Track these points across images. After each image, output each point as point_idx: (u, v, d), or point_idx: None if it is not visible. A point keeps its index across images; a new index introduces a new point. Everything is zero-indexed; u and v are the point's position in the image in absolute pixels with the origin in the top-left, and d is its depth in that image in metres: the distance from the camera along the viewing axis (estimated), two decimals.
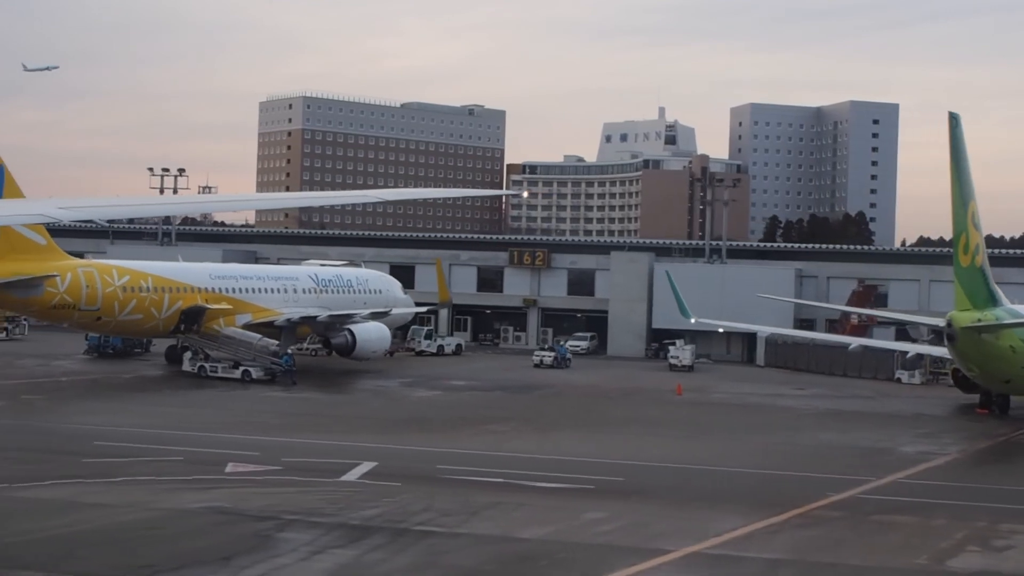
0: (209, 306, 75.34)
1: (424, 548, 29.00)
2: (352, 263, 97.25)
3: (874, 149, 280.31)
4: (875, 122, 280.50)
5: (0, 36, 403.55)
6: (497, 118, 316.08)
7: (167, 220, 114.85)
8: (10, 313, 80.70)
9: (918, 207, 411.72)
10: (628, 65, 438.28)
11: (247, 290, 79.64)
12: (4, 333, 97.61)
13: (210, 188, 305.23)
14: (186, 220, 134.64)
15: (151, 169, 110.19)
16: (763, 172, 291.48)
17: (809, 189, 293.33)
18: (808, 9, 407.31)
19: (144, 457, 42.09)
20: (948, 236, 71.24)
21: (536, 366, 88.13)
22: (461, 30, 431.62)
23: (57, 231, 75.38)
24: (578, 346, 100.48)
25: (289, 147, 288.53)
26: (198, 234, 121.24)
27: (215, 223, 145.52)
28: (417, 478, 38.99)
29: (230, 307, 76.60)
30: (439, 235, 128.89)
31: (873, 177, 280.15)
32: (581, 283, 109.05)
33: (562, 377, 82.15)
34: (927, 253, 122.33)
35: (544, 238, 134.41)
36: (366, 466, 41.03)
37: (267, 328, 76.25)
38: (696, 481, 41.12)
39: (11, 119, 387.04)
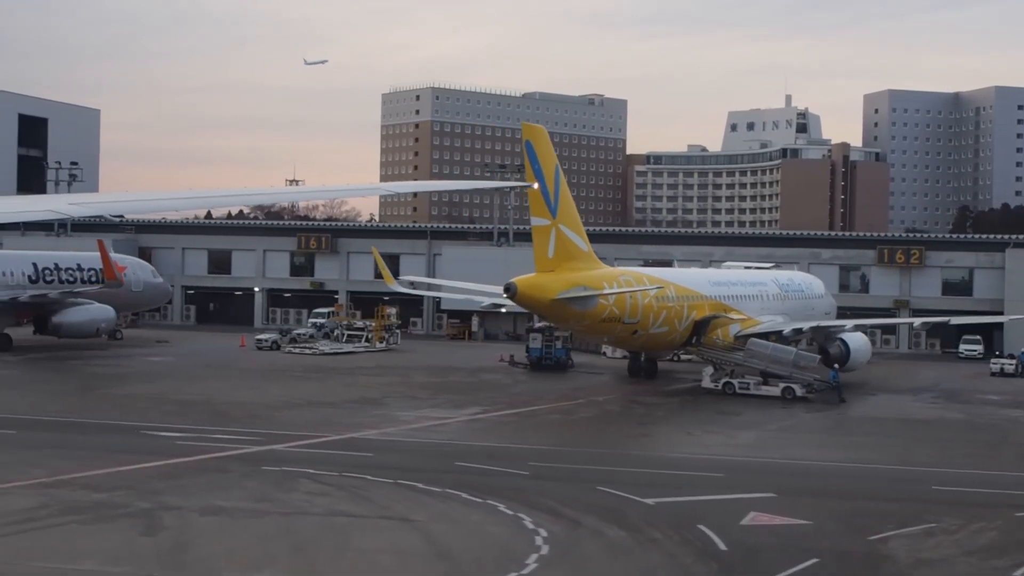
0: (729, 316, 69.06)
1: None
2: (777, 265, 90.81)
3: (1019, 136, 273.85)
4: (1020, 108, 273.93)
5: (14, 30, 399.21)
6: (619, 108, 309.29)
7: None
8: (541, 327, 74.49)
9: None
10: (731, 53, 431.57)
11: (736, 297, 73.45)
12: (383, 343, 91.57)
13: (297, 181, 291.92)
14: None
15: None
16: (900, 160, 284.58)
17: (948, 177, 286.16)
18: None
19: None
20: None
21: (993, 374, 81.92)
22: (517, 17, 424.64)
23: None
24: (974, 350, 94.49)
25: (417, 139, 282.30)
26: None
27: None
28: None
29: (743, 316, 70.28)
30: (799, 232, 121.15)
31: (1019, 164, 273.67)
32: (956, 283, 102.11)
33: None
34: None
35: (914, 234, 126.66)
36: None
37: (770, 338, 69.76)
38: None
39: None
